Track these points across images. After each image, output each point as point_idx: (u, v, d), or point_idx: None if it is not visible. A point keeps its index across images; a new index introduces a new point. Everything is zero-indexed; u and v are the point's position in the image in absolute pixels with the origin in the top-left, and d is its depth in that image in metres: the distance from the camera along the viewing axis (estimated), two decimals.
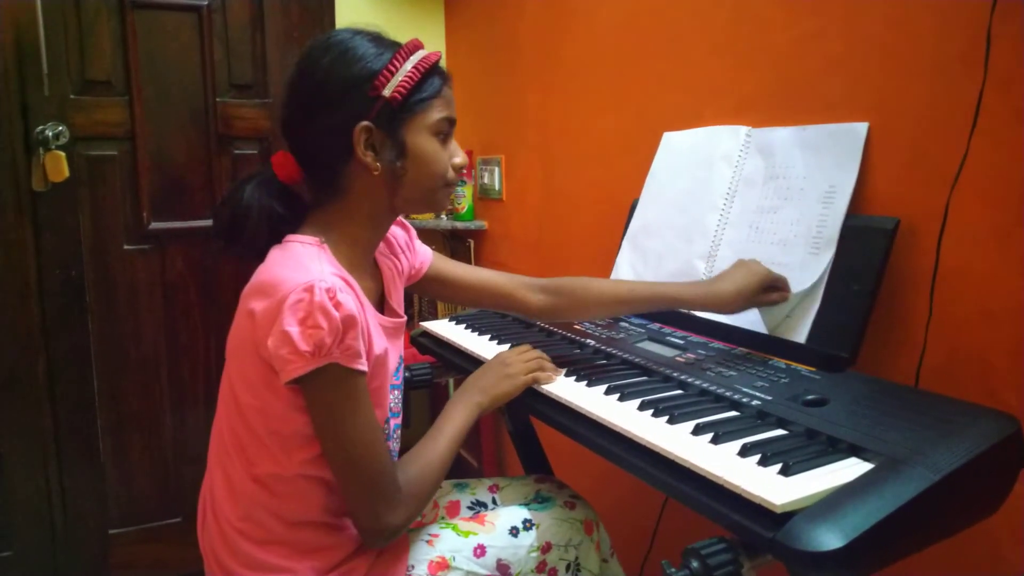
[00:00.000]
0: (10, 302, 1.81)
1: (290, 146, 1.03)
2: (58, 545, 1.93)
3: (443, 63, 1.04)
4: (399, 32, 1.04)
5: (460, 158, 1.06)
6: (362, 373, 0.94)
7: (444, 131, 1.03)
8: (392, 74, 0.97)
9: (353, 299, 0.93)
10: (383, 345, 1.02)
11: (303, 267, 0.93)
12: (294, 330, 0.88)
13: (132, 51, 1.87)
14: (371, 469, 0.95)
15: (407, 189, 1.02)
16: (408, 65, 0.98)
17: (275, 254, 0.99)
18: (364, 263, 1.07)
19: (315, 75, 0.98)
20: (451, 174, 1.05)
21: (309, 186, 1.04)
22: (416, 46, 1.01)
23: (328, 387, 0.92)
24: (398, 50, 0.99)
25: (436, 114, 1.01)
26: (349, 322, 0.90)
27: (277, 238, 1.01)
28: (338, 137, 0.97)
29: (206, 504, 1.06)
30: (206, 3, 1.93)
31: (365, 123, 0.96)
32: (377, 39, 1.00)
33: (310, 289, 0.88)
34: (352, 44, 0.98)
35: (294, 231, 1.02)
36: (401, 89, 0.97)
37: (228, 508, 1.00)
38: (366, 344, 0.95)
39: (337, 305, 0.89)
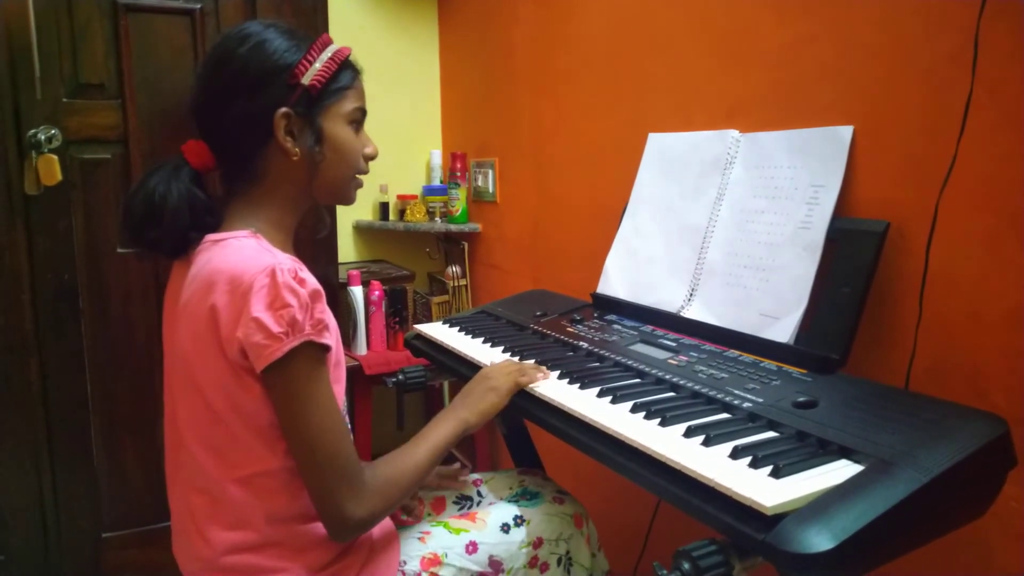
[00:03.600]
0: (2, 306, 1.80)
1: (204, 133, 1.05)
2: (51, 548, 1.92)
3: (353, 58, 1.09)
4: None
5: (371, 148, 1.11)
6: (328, 349, 0.95)
7: (358, 120, 1.09)
8: (310, 64, 1.02)
9: (312, 276, 0.95)
10: (332, 322, 1.02)
11: (253, 257, 0.94)
12: (264, 315, 0.89)
13: (125, 54, 1.86)
14: (333, 454, 0.93)
15: (323, 175, 1.06)
16: (324, 56, 1.03)
17: (214, 252, 0.98)
18: (289, 247, 1.08)
19: (232, 63, 1.00)
20: (362, 163, 1.10)
21: (223, 174, 1.07)
22: (328, 41, 1.06)
23: (298, 369, 0.92)
24: (313, 43, 1.04)
25: (351, 104, 1.07)
26: (316, 296, 0.93)
27: (197, 226, 1.02)
28: (257, 123, 1.00)
29: (190, 534, 1.02)
30: (199, 6, 1.93)
31: (285, 109, 1.00)
32: (290, 32, 1.04)
33: (272, 273, 0.91)
34: (268, 35, 1.02)
35: (212, 217, 1.03)
36: (319, 78, 1.02)
37: (217, 527, 0.98)
38: (327, 319, 0.97)
39: (301, 282, 0.92)
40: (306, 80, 1.01)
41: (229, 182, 1.06)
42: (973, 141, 0.99)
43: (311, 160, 1.03)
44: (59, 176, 1.77)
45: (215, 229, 1.03)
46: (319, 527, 1.01)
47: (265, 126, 1.00)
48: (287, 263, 0.93)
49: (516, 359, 1.21)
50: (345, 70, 1.06)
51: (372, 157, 1.11)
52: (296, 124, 1.01)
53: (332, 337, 0.97)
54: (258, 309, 0.89)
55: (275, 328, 0.89)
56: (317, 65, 1.02)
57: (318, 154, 1.04)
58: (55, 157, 1.76)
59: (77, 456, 1.93)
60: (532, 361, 1.19)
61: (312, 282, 0.94)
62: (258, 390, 0.94)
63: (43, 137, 1.76)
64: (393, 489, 0.99)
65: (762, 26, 1.32)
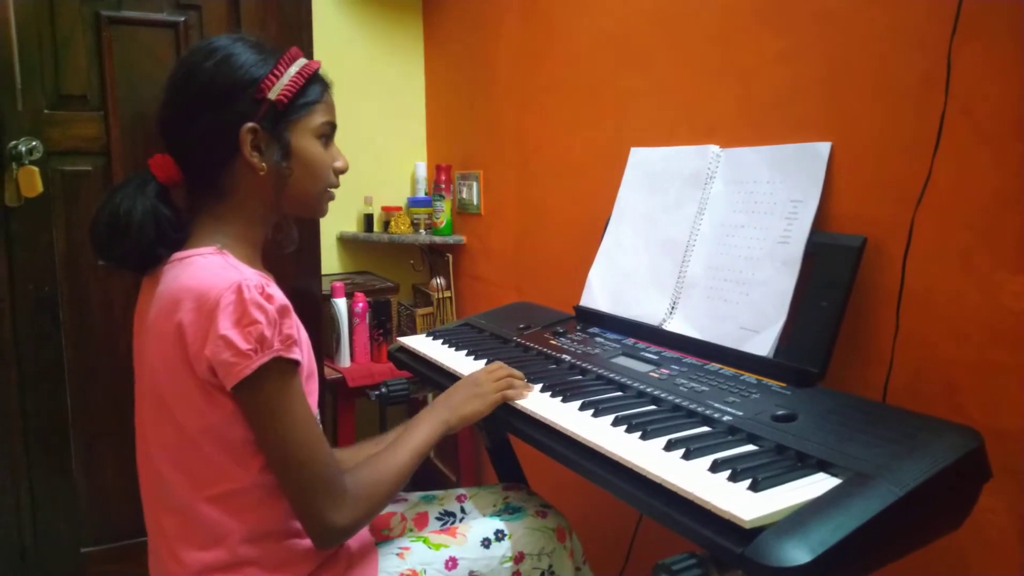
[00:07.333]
0: None
1: (170, 147, 1.04)
2: (29, 564, 1.89)
3: (322, 71, 1.08)
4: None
5: (341, 162, 1.10)
6: (298, 363, 0.94)
7: (326, 134, 1.08)
8: (277, 78, 1.01)
9: (279, 291, 0.95)
10: (303, 335, 1.02)
11: (219, 274, 0.93)
12: (232, 332, 0.88)
13: (108, 66, 1.86)
14: (312, 464, 0.93)
15: (292, 190, 1.05)
16: (292, 70, 1.02)
17: (180, 269, 0.97)
18: (257, 262, 1.07)
19: (199, 77, 1.00)
20: (332, 177, 1.09)
21: (189, 188, 1.05)
22: (297, 54, 1.05)
23: (269, 385, 0.91)
24: (281, 56, 1.03)
25: (319, 118, 1.06)
26: (284, 311, 0.93)
27: (163, 241, 1.01)
28: (223, 138, 1.00)
29: (162, 555, 1.01)
30: (182, 19, 1.92)
31: (251, 124, 0.99)
32: (258, 46, 1.03)
33: (238, 290, 0.90)
34: (235, 49, 1.01)
35: (177, 233, 1.02)
36: (286, 92, 1.01)
37: (189, 547, 0.97)
38: (297, 333, 0.96)
39: (269, 298, 0.91)
40: (272, 95, 1.00)
41: (196, 196, 1.05)
42: (947, 158, 1.01)
43: (278, 175, 1.03)
44: (40, 188, 1.76)
45: (183, 244, 1.02)
46: (292, 544, 1.00)
47: (231, 141, 0.99)
48: (254, 279, 0.92)
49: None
50: (314, 84, 1.05)
51: (342, 171, 1.10)
52: (263, 139, 1.01)
53: (302, 351, 0.96)
54: (225, 326, 0.89)
55: (243, 345, 0.88)
56: (284, 79, 1.01)
57: (285, 169, 1.03)
58: (36, 169, 1.75)
59: (56, 469, 1.91)
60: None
61: (280, 297, 0.93)
62: (229, 407, 0.93)
63: (24, 149, 1.75)
64: (375, 495, 0.99)
65: (743, 44, 1.34)
